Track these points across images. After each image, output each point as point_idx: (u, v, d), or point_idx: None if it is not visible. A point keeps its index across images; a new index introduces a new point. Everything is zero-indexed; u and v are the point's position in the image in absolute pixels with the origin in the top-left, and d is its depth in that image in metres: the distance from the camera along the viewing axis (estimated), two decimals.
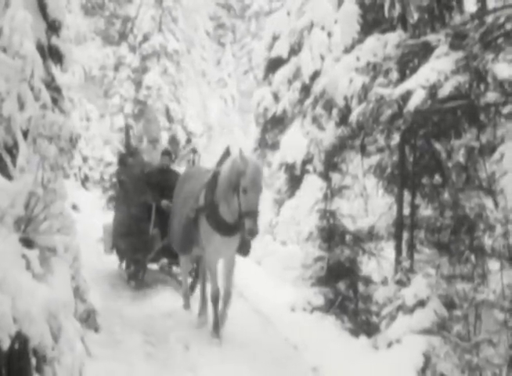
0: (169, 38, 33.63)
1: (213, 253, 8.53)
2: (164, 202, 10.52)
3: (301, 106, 17.82)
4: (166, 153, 11.24)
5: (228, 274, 8.79)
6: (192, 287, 10.89)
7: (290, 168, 17.82)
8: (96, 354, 6.81)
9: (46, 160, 7.53)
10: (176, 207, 9.52)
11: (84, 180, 24.12)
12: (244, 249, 8.99)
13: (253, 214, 7.53)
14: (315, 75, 17.60)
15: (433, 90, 8.54)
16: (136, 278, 11.00)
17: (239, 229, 8.20)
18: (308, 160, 16.76)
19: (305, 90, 17.94)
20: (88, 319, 7.95)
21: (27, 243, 4.82)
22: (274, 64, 19.79)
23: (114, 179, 11.98)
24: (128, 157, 11.54)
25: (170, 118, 31.31)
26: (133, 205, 10.84)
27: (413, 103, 8.45)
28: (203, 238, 8.58)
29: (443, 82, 8.46)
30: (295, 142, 16.90)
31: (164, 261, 11.05)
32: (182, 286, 10.13)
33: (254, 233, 7.55)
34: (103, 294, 10.04)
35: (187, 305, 9.98)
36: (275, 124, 20.02)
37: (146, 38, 33.39)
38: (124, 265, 11.68)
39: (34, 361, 4.14)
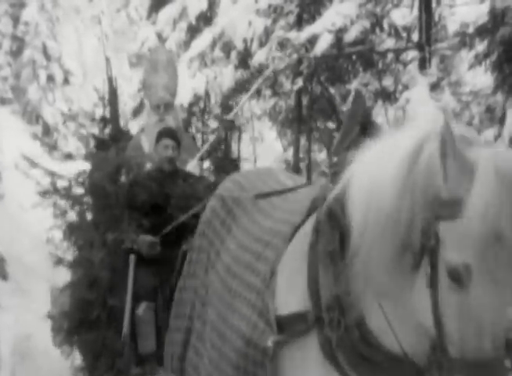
0: None
1: None
2: (147, 239, 4.28)
3: (187, 48, 17.42)
4: (167, 133, 4.80)
5: None
6: None
7: None
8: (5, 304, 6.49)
9: None
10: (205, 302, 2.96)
11: None
12: None
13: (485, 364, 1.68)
14: (201, 16, 17.20)
15: (339, 34, 8.56)
16: None
17: None
18: (195, 103, 16.51)
19: (192, 31, 17.51)
20: None
21: None
22: (158, 3, 19.16)
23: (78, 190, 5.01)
24: (111, 144, 5.51)
25: (48, 56, 30.03)
26: (99, 251, 4.43)
27: (320, 48, 8.43)
28: None
29: (349, 27, 8.49)
30: (181, 84, 16.57)
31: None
32: None
33: None
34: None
35: None
36: None
37: None
38: None
39: None
